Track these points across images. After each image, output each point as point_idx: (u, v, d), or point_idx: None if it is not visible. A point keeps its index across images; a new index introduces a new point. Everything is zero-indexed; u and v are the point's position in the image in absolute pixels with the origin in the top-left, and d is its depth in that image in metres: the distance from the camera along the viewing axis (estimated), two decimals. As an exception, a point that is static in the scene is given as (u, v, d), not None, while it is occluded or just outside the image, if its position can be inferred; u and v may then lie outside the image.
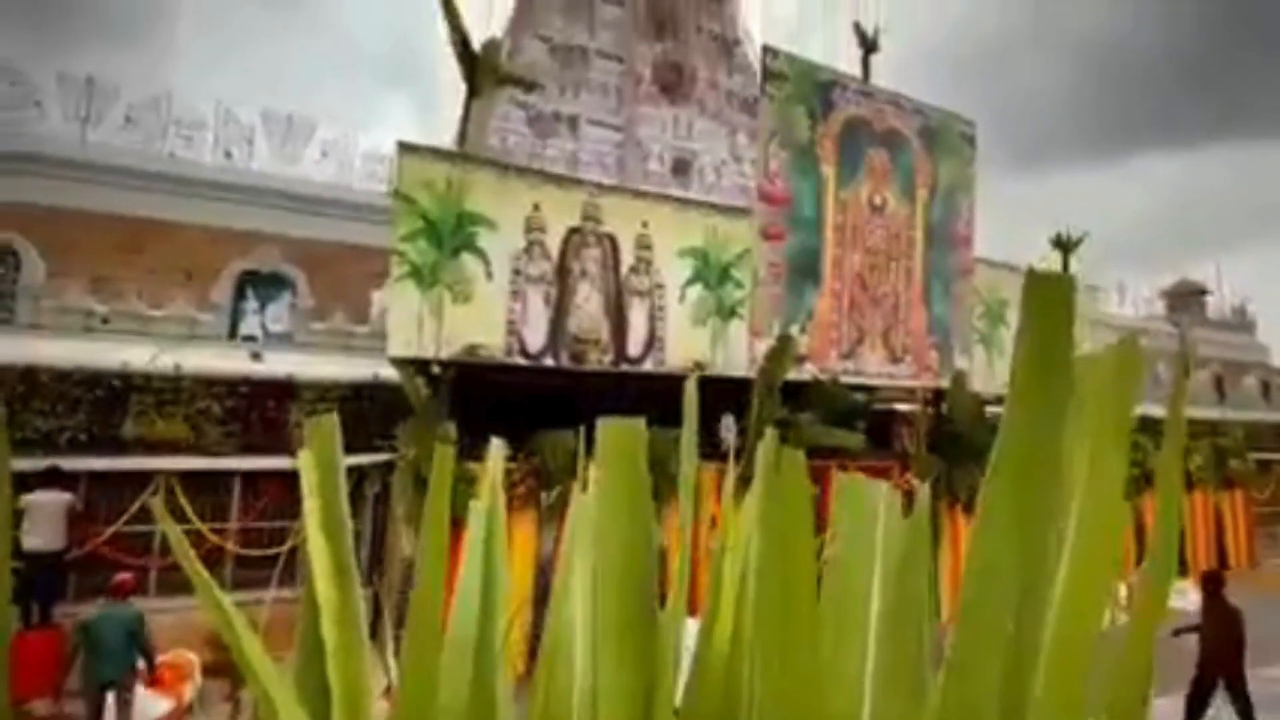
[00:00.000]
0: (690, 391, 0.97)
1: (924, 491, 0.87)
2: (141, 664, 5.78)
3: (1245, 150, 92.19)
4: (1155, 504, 0.77)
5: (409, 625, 0.81)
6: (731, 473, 1.29)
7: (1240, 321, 25.09)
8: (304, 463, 0.82)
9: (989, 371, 12.52)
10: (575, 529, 0.88)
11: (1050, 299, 0.58)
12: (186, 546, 0.88)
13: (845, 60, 11.71)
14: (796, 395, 9.80)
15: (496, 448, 1.02)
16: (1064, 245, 15.69)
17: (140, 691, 5.96)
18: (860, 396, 10.88)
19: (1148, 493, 12.80)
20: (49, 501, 7.07)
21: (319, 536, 0.78)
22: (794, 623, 0.69)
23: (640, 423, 0.78)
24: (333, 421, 0.85)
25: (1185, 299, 24.62)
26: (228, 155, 12.58)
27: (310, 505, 0.80)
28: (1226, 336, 23.71)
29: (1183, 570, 13.31)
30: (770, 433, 0.79)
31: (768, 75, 10.52)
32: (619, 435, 0.76)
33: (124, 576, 5.95)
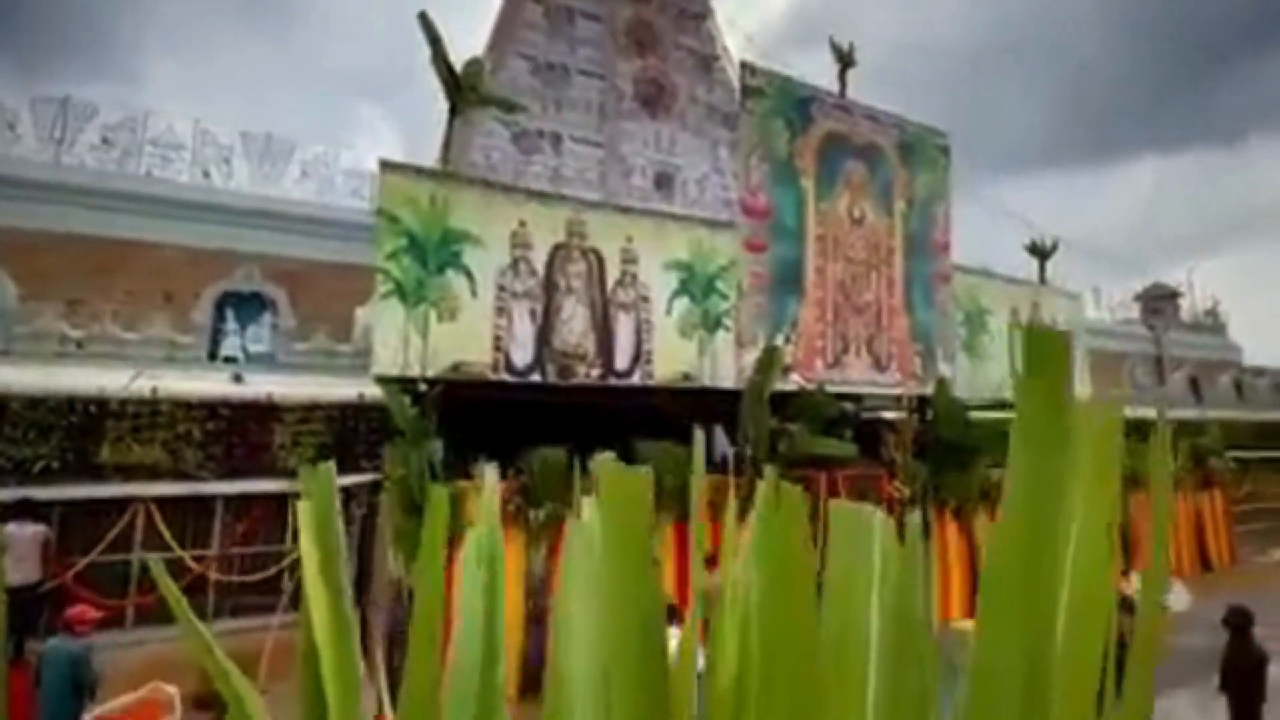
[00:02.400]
0: (698, 458, 0.96)
1: (914, 519, 0.88)
2: (96, 710, 5.54)
3: (1215, 155, 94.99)
4: (1148, 513, 0.78)
5: (406, 675, 0.78)
6: (721, 496, 1.28)
7: (1213, 323, 25.69)
8: (302, 514, 0.80)
9: (972, 377, 12.67)
10: (572, 565, 0.85)
11: (1047, 353, 0.60)
12: (168, 578, 0.85)
13: (825, 77, 11.90)
14: (784, 405, 9.84)
15: (490, 474, 0.99)
16: (1040, 252, 16.01)
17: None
18: (848, 405, 10.95)
19: (1131, 493, 12.96)
20: (22, 534, 6.88)
21: (318, 586, 0.76)
22: (797, 666, 0.68)
23: (645, 471, 0.75)
24: (329, 469, 0.83)
25: (1159, 302, 25.18)
26: (205, 175, 12.46)
27: (309, 562, 0.78)
28: (1200, 338, 24.25)
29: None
30: (770, 470, 0.78)
31: (747, 91, 10.66)
32: (622, 482, 0.73)
33: (78, 609, 5.60)
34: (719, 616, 0.82)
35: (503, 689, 0.83)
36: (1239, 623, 5.45)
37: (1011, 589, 0.61)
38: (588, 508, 0.85)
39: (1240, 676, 5.35)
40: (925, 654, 0.78)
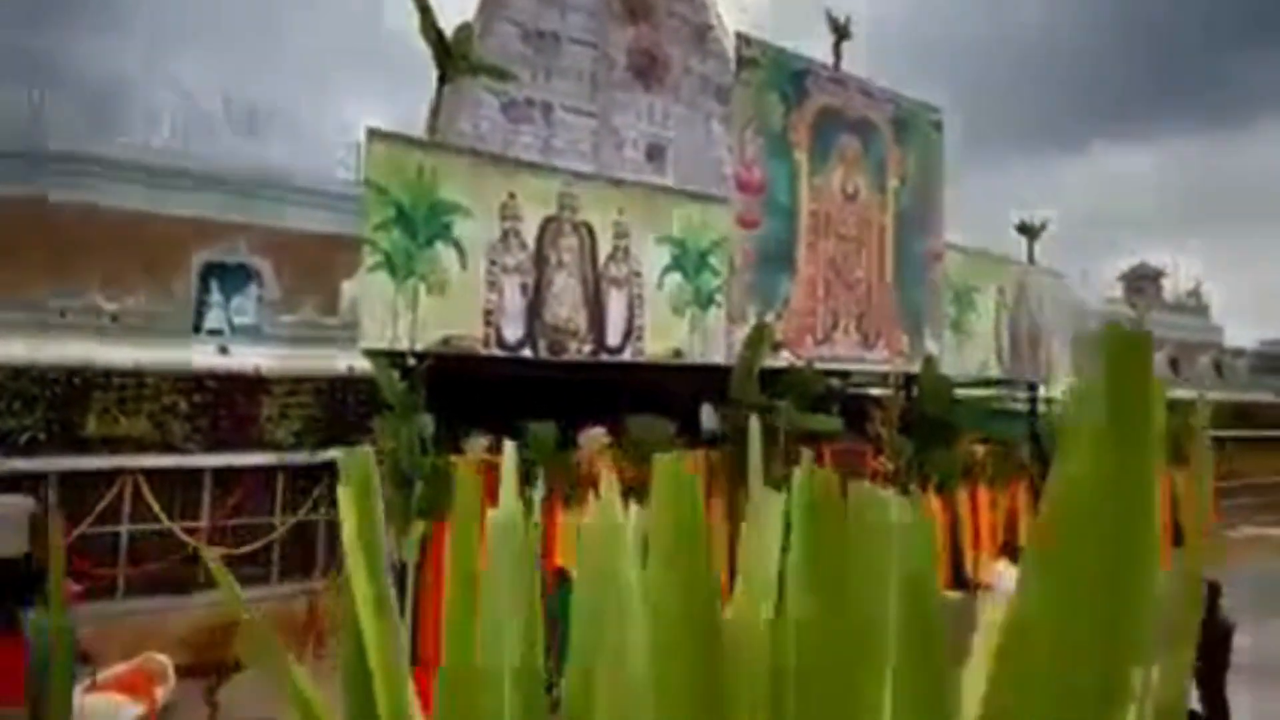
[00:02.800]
0: (754, 441, 0.97)
1: (927, 498, 0.90)
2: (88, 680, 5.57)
3: (1204, 139, 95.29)
4: (1188, 489, 0.82)
5: (445, 654, 0.79)
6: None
7: (1195, 304, 26.04)
8: (342, 493, 0.81)
9: (958, 355, 12.79)
10: (591, 550, 0.86)
11: (1128, 352, 0.62)
12: (208, 549, 0.87)
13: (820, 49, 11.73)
14: (773, 382, 9.90)
15: (510, 450, 1.00)
16: (1029, 231, 16.05)
17: (109, 697, 5.81)
18: (835, 382, 11.03)
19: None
20: (9, 506, 6.83)
21: (360, 571, 0.77)
22: (833, 644, 0.70)
23: (687, 457, 0.76)
24: (368, 452, 0.84)
25: (1142, 283, 25.45)
26: (186, 142, 12.14)
27: (351, 540, 0.79)
28: (1181, 319, 24.59)
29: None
30: (806, 454, 0.79)
31: (741, 62, 10.49)
32: (673, 471, 0.73)
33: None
34: (747, 596, 0.84)
35: (542, 672, 0.84)
36: (1206, 594, 5.60)
37: (1089, 552, 0.63)
38: (609, 485, 0.86)
39: (1206, 647, 5.52)
40: (938, 626, 0.81)
